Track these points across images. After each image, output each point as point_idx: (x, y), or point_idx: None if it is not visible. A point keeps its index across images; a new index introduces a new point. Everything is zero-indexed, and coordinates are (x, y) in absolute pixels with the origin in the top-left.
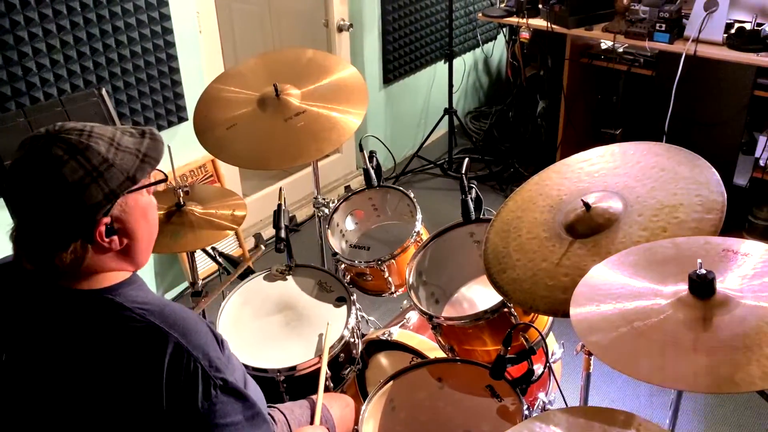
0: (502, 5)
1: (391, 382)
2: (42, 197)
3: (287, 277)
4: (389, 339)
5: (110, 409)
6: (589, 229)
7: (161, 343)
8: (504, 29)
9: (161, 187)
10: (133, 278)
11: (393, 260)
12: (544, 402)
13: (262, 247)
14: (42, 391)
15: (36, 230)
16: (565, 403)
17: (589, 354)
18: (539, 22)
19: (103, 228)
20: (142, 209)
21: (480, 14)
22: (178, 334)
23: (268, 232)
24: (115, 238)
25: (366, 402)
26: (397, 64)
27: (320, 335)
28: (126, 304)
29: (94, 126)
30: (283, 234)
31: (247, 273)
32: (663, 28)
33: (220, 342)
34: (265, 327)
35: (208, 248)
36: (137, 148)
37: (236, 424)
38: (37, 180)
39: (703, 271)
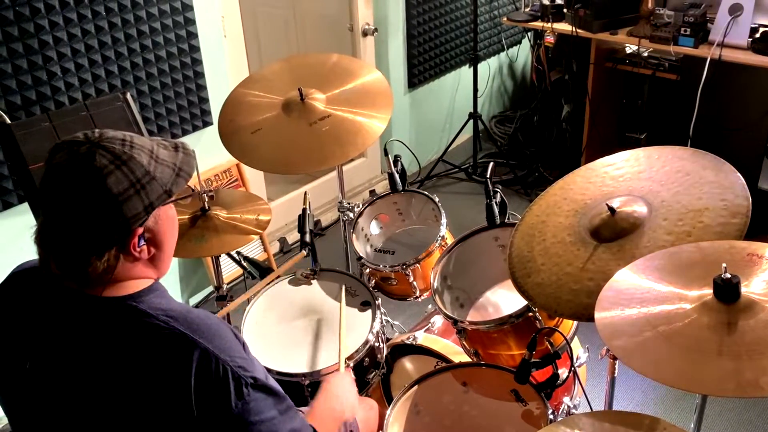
0: (527, 9)
1: (415, 387)
2: (83, 205)
3: (312, 281)
4: (414, 343)
5: (138, 417)
6: (614, 234)
7: (188, 349)
8: (529, 33)
9: (187, 199)
10: (155, 286)
11: (418, 264)
12: (568, 406)
13: (304, 252)
14: (67, 399)
15: (72, 236)
16: (590, 407)
17: (614, 358)
18: (564, 27)
19: (137, 239)
20: (171, 220)
21: (505, 18)
22: (203, 340)
23: (293, 237)
24: (145, 247)
25: (391, 406)
26: (422, 68)
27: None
28: (150, 311)
29: (133, 136)
30: (308, 238)
31: (267, 271)
32: (688, 33)
33: (243, 345)
34: (289, 331)
35: (233, 252)
36: (173, 162)
37: (272, 419)
38: (80, 188)
39: (728, 276)
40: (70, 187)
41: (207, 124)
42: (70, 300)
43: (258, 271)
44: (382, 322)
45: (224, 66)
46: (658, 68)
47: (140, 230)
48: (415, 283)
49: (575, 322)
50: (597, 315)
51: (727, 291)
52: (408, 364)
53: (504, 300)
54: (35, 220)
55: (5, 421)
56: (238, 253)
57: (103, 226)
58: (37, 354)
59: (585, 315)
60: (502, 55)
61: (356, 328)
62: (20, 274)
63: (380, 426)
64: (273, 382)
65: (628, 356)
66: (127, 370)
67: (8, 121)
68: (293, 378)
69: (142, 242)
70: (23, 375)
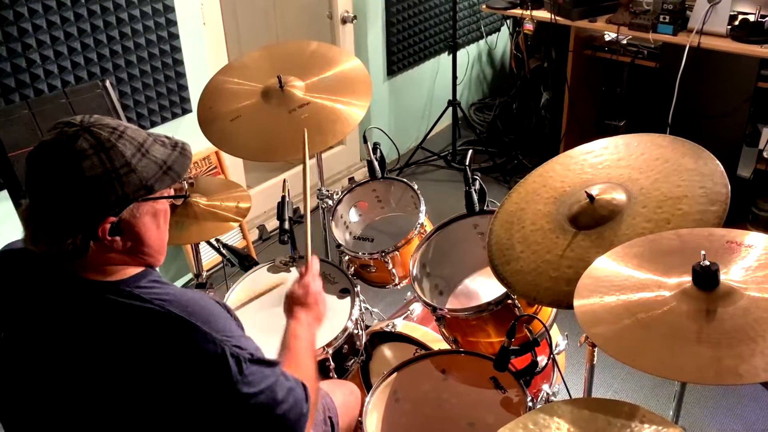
0: None
1: (395, 374)
2: (55, 184)
3: (291, 268)
4: (393, 331)
5: (136, 402)
6: (593, 221)
7: (184, 332)
8: (508, 21)
9: (178, 201)
10: (148, 271)
11: (397, 252)
12: (547, 393)
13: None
14: (56, 383)
15: (44, 212)
16: (569, 394)
17: (593, 345)
18: (543, 14)
19: (107, 226)
20: (154, 217)
21: (484, 6)
22: (200, 322)
23: (272, 224)
24: (118, 238)
25: (370, 394)
26: (401, 56)
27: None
28: (144, 296)
29: (128, 127)
30: (287, 226)
31: (251, 264)
32: (667, 20)
33: (236, 321)
34: (268, 318)
35: (212, 240)
36: (164, 160)
37: (270, 386)
38: (56, 166)
39: (707, 263)
40: (47, 165)
41: (186, 111)
42: (62, 283)
43: (237, 259)
44: (361, 310)
45: (203, 53)
46: (637, 56)
47: (112, 219)
48: (394, 270)
49: (554, 310)
50: (576, 302)
51: (706, 278)
52: (387, 351)
53: (483, 287)
54: (14, 208)
55: None
56: (218, 240)
57: (70, 207)
58: (23, 336)
59: (564, 302)
60: (481, 42)
61: (335, 315)
62: (6, 254)
63: (360, 413)
64: (263, 353)
65: (607, 344)
66: (122, 354)
67: None
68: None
69: (116, 234)
70: (8, 356)
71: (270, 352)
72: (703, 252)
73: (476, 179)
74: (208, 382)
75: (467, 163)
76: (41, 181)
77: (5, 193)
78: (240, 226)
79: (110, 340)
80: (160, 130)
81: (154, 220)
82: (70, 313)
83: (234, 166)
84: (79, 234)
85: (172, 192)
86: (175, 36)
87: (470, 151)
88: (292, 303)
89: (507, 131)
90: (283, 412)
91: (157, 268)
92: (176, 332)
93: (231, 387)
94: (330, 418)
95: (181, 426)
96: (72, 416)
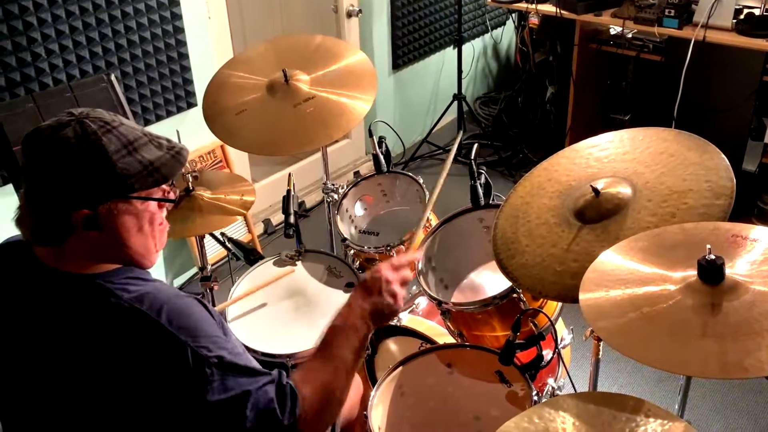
0: None
1: (400, 368)
2: (37, 166)
3: (296, 262)
4: (398, 324)
5: (102, 394)
6: (598, 215)
7: (149, 329)
8: (513, 15)
9: (169, 206)
10: (128, 268)
11: (402, 246)
12: (553, 387)
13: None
14: (34, 373)
15: (27, 194)
16: (574, 388)
17: (598, 340)
18: (548, 8)
19: (81, 217)
20: (136, 218)
21: (489, 0)
22: (167, 321)
23: (277, 218)
24: (95, 233)
25: (375, 388)
26: (407, 49)
27: None
28: (116, 291)
29: (123, 123)
30: (292, 220)
31: (257, 258)
32: (672, 14)
33: (217, 323)
34: (274, 312)
35: (217, 234)
36: (151, 161)
37: (241, 395)
38: (39, 150)
39: (712, 257)
40: (34, 148)
41: (191, 105)
42: (40, 274)
43: (242, 252)
44: None
45: (208, 47)
46: (643, 49)
47: (86, 212)
48: None
49: (559, 304)
50: (581, 296)
51: (711, 272)
52: (392, 345)
53: (488, 281)
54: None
55: None
56: (223, 234)
57: (46, 191)
58: (7, 328)
59: (569, 296)
60: (487, 36)
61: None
62: (2, 247)
63: (364, 407)
64: (245, 360)
65: (612, 338)
66: (90, 346)
67: None
68: (278, 359)
69: (93, 228)
70: None
71: (274, 346)
72: (708, 246)
73: (481, 173)
74: (169, 384)
75: (472, 157)
76: (27, 164)
77: (10, 187)
78: (245, 219)
79: (78, 333)
80: (166, 123)
81: (135, 221)
82: (42, 303)
83: (239, 160)
84: (53, 220)
85: (159, 195)
86: (180, 30)
87: (475, 145)
88: (357, 285)
89: (512, 125)
90: (251, 423)
91: (163, 262)
92: (141, 330)
93: (192, 392)
94: None
95: (146, 424)
96: (41, 407)
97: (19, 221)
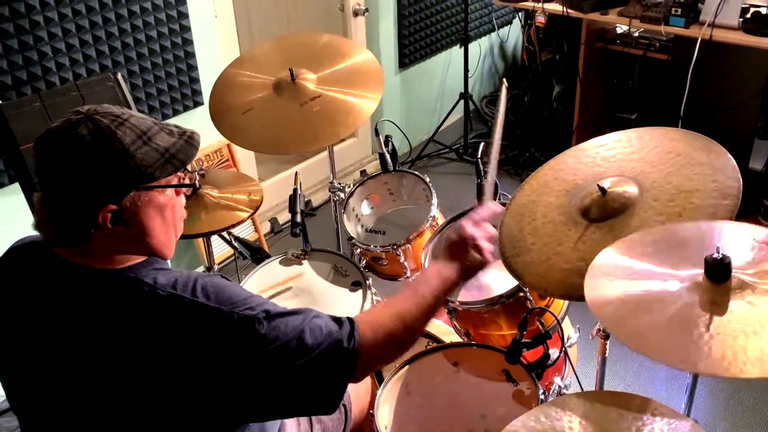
0: None
1: (406, 367)
2: (56, 170)
3: (303, 261)
4: None
5: (154, 387)
6: (605, 214)
7: (189, 310)
8: (519, 14)
9: (187, 191)
10: (153, 259)
11: (408, 245)
12: (559, 386)
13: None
14: (71, 372)
15: (47, 199)
16: (581, 387)
17: (605, 338)
18: (555, 7)
19: (108, 215)
20: (158, 207)
21: None
22: (202, 298)
23: (284, 217)
24: (121, 228)
25: (381, 386)
26: (413, 48)
27: None
28: (147, 280)
29: (133, 115)
30: (298, 218)
31: (263, 257)
32: (678, 13)
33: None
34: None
35: (224, 233)
36: (166, 148)
37: (297, 329)
38: (56, 152)
39: (719, 255)
40: (50, 151)
41: (198, 104)
42: (67, 272)
43: (249, 251)
44: (373, 302)
45: (215, 46)
46: (649, 48)
47: (112, 207)
48: (406, 263)
49: (566, 302)
50: (587, 293)
51: (717, 271)
52: None
53: (495, 280)
54: (26, 201)
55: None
56: (229, 233)
57: (69, 193)
58: (38, 328)
59: (576, 295)
60: (493, 35)
61: (347, 308)
62: (19, 248)
63: (371, 405)
64: (282, 308)
65: (620, 333)
66: (138, 339)
67: None
68: None
69: (119, 223)
70: (24, 350)
71: None
72: (717, 244)
73: (488, 172)
74: (229, 354)
75: (479, 156)
76: (45, 167)
77: (17, 185)
78: (252, 218)
79: (122, 327)
80: (172, 122)
81: (158, 211)
82: (75, 301)
83: (246, 159)
84: (79, 220)
85: (175, 181)
86: (186, 28)
87: (482, 144)
88: (445, 247)
89: (519, 124)
90: (316, 350)
91: (169, 261)
92: (185, 314)
93: (253, 351)
94: (344, 405)
95: (217, 402)
96: (85, 404)
97: (40, 225)
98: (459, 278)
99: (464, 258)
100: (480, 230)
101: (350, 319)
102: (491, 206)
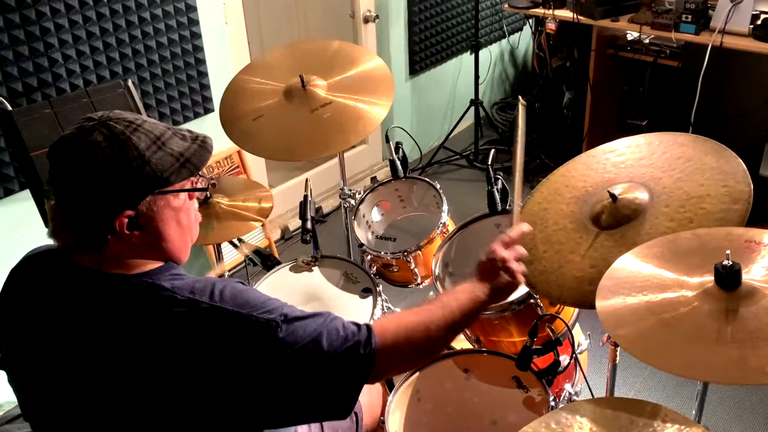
0: None
1: (417, 373)
2: (72, 177)
3: (313, 268)
4: None
5: (174, 391)
6: (616, 221)
7: (208, 315)
8: (530, 20)
9: (201, 194)
10: (170, 265)
11: (419, 251)
12: (570, 393)
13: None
14: (89, 378)
15: (63, 206)
16: (591, 394)
17: (615, 345)
18: (565, 13)
19: (125, 220)
20: (174, 212)
21: (506, 5)
22: (221, 302)
23: (295, 224)
24: (138, 233)
25: (392, 393)
26: (424, 55)
27: None
28: (165, 285)
29: (146, 120)
30: (309, 225)
31: (274, 264)
32: (689, 20)
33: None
34: None
35: (234, 240)
36: (180, 152)
37: (316, 331)
38: (72, 159)
39: (729, 263)
40: (65, 158)
41: (208, 110)
42: (84, 279)
43: (259, 258)
44: (383, 309)
45: (225, 53)
46: (660, 55)
47: (129, 213)
48: (416, 269)
49: (576, 309)
50: (598, 303)
51: (728, 278)
52: None
53: None
54: (36, 207)
55: (6, 408)
56: (240, 240)
57: (85, 200)
58: (55, 335)
59: (587, 302)
60: (504, 41)
61: (357, 314)
62: (34, 257)
63: (382, 413)
64: (300, 311)
65: (630, 344)
66: (158, 343)
67: (9, 107)
68: None
69: (135, 228)
70: (41, 358)
71: None
72: (728, 251)
73: (498, 178)
74: (249, 358)
75: (489, 163)
76: (60, 175)
77: (27, 192)
78: (262, 225)
79: (137, 331)
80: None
81: (173, 215)
82: (93, 307)
83: (256, 166)
84: (96, 226)
85: (189, 186)
86: (197, 35)
87: (492, 151)
88: (476, 269)
89: (529, 131)
90: (332, 355)
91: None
92: (205, 318)
93: (272, 354)
94: (355, 413)
95: (236, 406)
96: (100, 408)
97: (55, 233)
98: (489, 299)
99: (494, 279)
100: (511, 252)
101: (368, 326)
102: (522, 228)
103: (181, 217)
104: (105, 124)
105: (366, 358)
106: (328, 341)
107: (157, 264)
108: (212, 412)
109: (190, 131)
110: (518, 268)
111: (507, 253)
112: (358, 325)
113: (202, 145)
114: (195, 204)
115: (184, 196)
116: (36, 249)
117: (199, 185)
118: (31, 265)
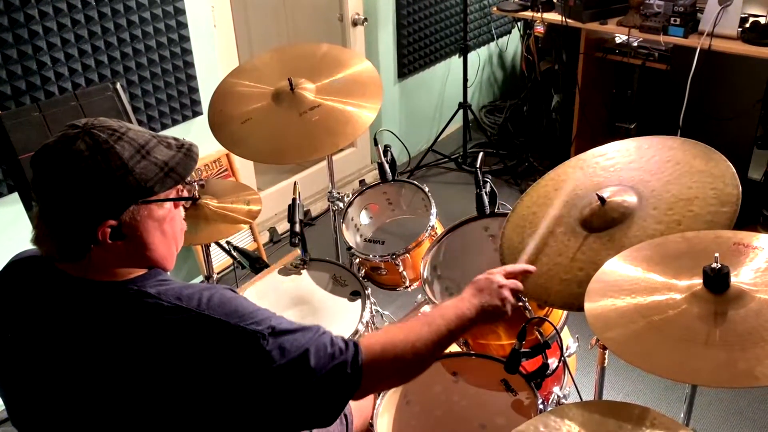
0: None
1: None
2: (54, 186)
3: (302, 271)
4: None
5: (157, 399)
6: (604, 223)
7: (194, 322)
8: (518, 23)
9: (187, 204)
10: (156, 271)
11: (407, 254)
12: (558, 396)
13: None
14: (73, 385)
15: (46, 215)
16: (580, 397)
17: (604, 348)
18: (554, 16)
19: (107, 230)
20: (158, 221)
21: (494, 8)
22: (208, 310)
23: (283, 227)
24: (121, 243)
25: (381, 396)
26: (412, 58)
27: None
28: (152, 292)
29: (130, 128)
30: (297, 228)
31: (262, 267)
32: (677, 23)
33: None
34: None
35: (223, 242)
36: (165, 161)
37: (300, 353)
38: (54, 168)
39: (717, 265)
40: (47, 167)
41: (197, 114)
42: (69, 286)
43: (248, 261)
44: (371, 312)
45: (214, 56)
46: (648, 58)
47: (111, 222)
48: (404, 272)
49: (565, 312)
50: (587, 305)
51: (716, 281)
52: None
53: None
54: (25, 211)
55: None
56: (228, 242)
57: (68, 209)
58: (39, 341)
59: (575, 305)
60: (492, 45)
61: (346, 317)
62: (19, 262)
63: (370, 416)
64: (290, 323)
65: (618, 347)
66: (143, 350)
67: None
68: None
69: (118, 238)
70: (25, 364)
71: None
72: (716, 254)
73: (487, 182)
74: (234, 367)
75: (478, 166)
76: (43, 183)
77: (15, 195)
78: (250, 228)
79: (122, 338)
80: (171, 132)
81: (157, 224)
82: (77, 314)
83: (245, 169)
84: (78, 236)
85: (174, 195)
86: (185, 38)
87: (481, 154)
88: (471, 283)
89: (518, 134)
90: (319, 372)
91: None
92: (190, 325)
93: (258, 366)
94: (345, 415)
95: (220, 415)
96: (87, 416)
97: (38, 241)
98: (476, 317)
99: (486, 300)
100: (510, 283)
101: (355, 343)
102: (525, 266)
103: (165, 227)
104: (89, 133)
105: (352, 377)
106: (315, 358)
107: (143, 270)
108: (196, 418)
109: (176, 139)
110: (510, 298)
111: (505, 281)
112: (346, 342)
113: (188, 153)
114: (181, 212)
115: (168, 205)
116: (21, 254)
117: (184, 194)
118: (15, 270)
